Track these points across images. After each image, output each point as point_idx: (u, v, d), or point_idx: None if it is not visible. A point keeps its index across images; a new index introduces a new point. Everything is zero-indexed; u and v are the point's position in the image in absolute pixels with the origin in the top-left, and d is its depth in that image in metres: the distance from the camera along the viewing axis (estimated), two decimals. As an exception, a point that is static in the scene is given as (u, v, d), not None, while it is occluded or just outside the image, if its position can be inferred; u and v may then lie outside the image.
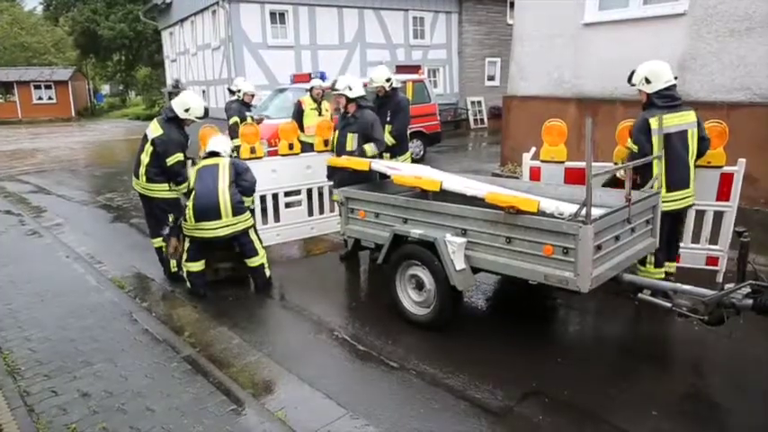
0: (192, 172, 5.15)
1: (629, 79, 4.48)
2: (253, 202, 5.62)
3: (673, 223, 4.54)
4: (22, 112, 34.99)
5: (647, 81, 4.32)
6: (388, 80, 6.18)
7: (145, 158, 5.29)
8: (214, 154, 5.25)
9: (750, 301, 3.33)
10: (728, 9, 7.05)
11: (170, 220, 5.36)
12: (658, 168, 4.27)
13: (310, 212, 6.63)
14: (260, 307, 5.09)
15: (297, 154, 6.48)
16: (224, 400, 3.45)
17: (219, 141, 5.41)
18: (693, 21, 7.39)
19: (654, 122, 4.21)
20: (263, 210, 6.27)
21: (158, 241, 5.60)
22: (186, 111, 5.29)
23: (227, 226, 5.01)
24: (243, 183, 5.17)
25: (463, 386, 3.56)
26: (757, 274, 3.50)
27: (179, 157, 5.28)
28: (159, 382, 3.70)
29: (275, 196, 6.34)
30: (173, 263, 5.54)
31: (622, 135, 4.73)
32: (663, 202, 4.29)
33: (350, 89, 5.66)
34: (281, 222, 6.44)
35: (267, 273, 5.33)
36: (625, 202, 3.82)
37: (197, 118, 5.39)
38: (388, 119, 6.22)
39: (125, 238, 7.50)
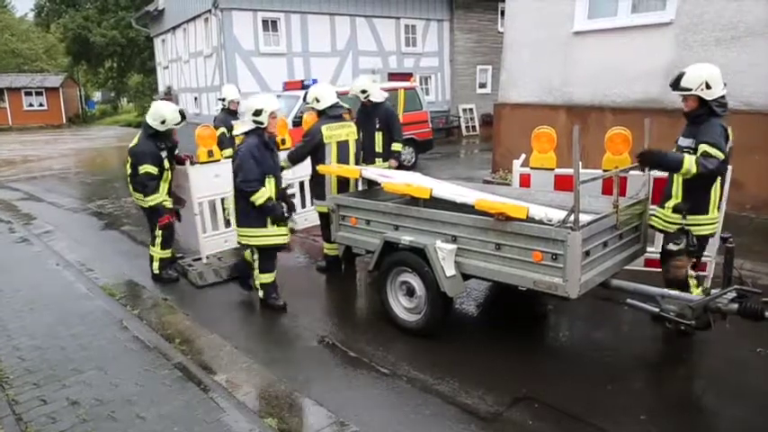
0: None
1: (676, 83, 3.77)
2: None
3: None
4: (12, 119, 34.78)
5: (708, 86, 3.66)
6: (363, 91, 6.13)
7: (128, 168, 5.52)
8: None
9: (736, 306, 3.39)
10: (714, 18, 7.16)
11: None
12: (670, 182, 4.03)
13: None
14: (251, 314, 5.09)
15: (218, 160, 5.90)
16: (214, 407, 3.44)
17: None
18: (680, 30, 7.50)
19: (731, 132, 3.76)
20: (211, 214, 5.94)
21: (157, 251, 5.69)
22: (162, 123, 5.34)
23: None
24: None
25: (453, 392, 3.57)
26: (742, 279, 3.56)
27: (148, 168, 5.31)
28: (150, 389, 3.68)
29: (223, 201, 5.95)
30: (155, 265, 5.66)
31: (612, 142, 4.77)
32: (711, 224, 3.95)
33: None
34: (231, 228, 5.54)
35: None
36: (612, 208, 3.87)
37: (175, 125, 5.43)
38: (377, 126, 6.32)
39: (116, 246, 7.47)
